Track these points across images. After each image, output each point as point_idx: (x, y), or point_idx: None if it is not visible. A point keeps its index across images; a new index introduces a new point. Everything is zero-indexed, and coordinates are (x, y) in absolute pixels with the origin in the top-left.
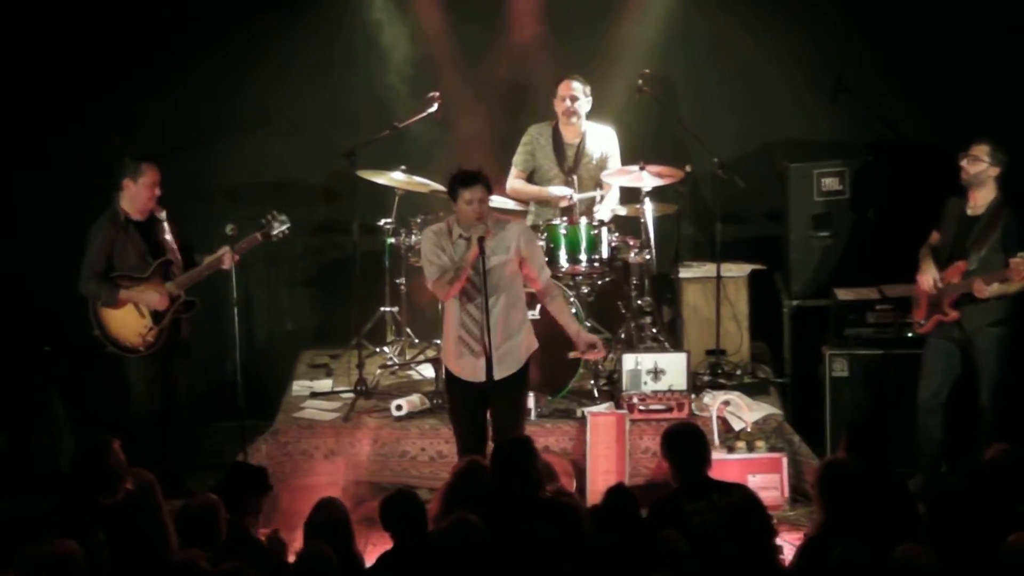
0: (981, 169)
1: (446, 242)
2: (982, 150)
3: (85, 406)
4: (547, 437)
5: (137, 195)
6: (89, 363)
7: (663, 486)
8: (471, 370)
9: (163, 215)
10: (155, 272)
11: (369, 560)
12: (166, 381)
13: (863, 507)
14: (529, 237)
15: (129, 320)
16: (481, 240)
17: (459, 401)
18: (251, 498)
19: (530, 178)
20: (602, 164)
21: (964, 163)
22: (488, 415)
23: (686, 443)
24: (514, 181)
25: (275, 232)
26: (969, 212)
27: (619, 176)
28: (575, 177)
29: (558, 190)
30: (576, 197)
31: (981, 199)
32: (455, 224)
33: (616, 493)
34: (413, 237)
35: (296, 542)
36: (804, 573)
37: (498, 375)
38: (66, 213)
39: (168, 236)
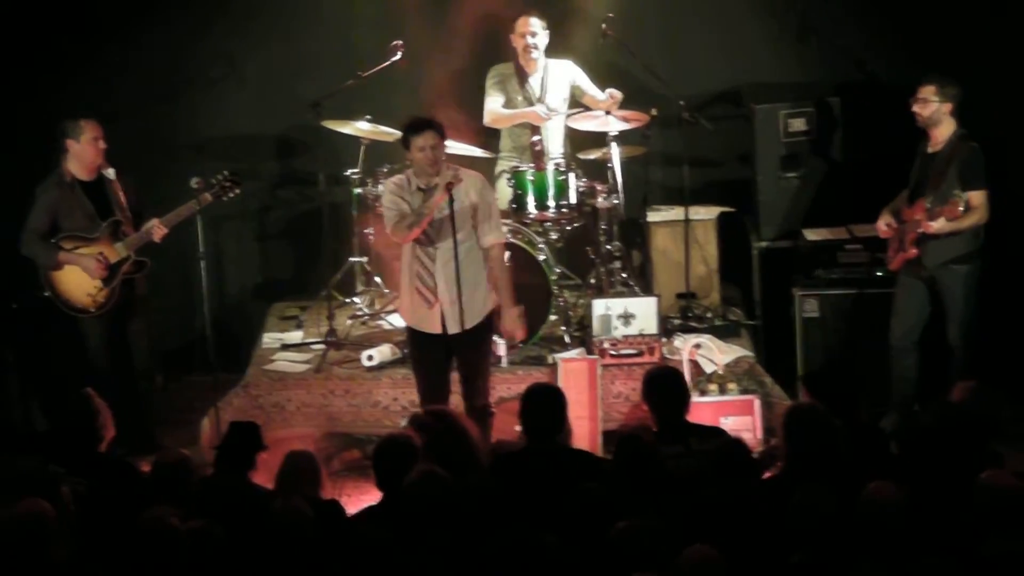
0: (933, 109)
1: (406, 194)
2: (929, 91)
3: (50, 364)
4: (519, 384)
5: (83, 152)
6: (55, 321)
7: (637, 430)
8: (428, 322)
9: (111, 174)
10: (104, 232)
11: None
12: (122, 340)
13: (829, 451)
14: (484, 190)
15: (78, 281)
16: (449, 185)
17: (420, 353)
18: (248, 455)
19: None
20: (576, 89)
21: (916, 108)
22: (451, 367)
23: (667, 386)
24: (493, 106)
25: (225, 196)
26: (930, 150)
27: (584, 120)
28: (545, 105)
29: (539, 109)
30: (550, 114)
31: (940, 136)
32: (412, 175)
33: (628, 441)
34: (380, 187)
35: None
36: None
37: (458, 326)
38: (30, 173)
39: (119, 196)
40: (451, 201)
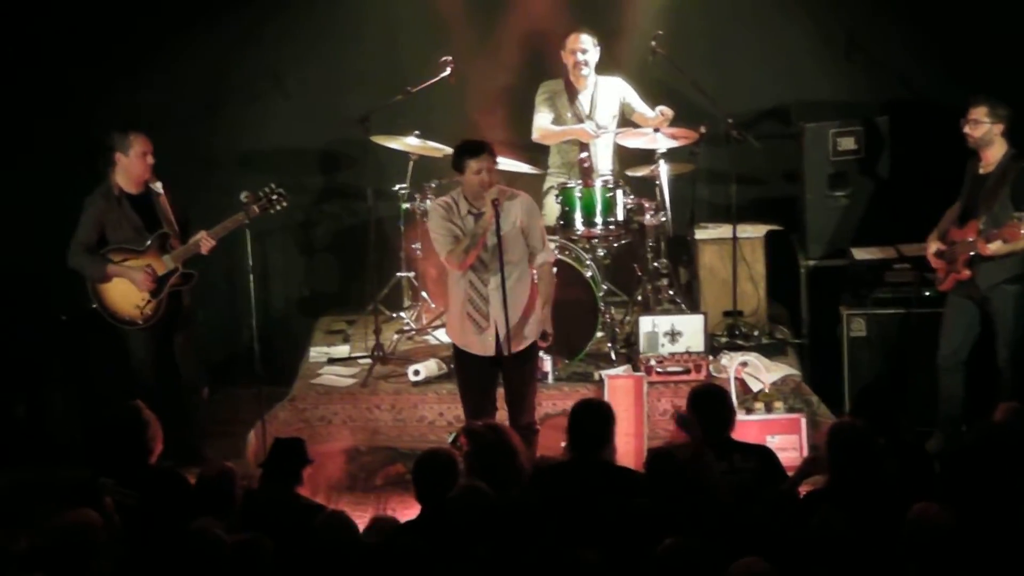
0: (984, 131)
1: (455, 217)
2: (980, 112)
3: (96, 376)
4: (564, 401)
5: (131, 166)
6: (103, 333)
7: (682, 448)
8: (479, 345)
9: (159, 187)
10: (152, 245)
11: None
12: (169, 352)
13: (871, 469)
14: (532, 212)
15: (126, 293)
16: (496, 202)
17: (468, 374)
18: (294, 471)
19: None
20: (626, 107)
21: (967, 129)
22: (497, 385)
23: (711, 403)
24: (542, 122)
25: (273, 209)
26: (981, 171)
27: (633, 137)
28: (594, 122)
29: (588, 126)
30: (599, 131)
31: (991, 157)
32: (461, 199)
33: (660, 457)
34: (428, 202)
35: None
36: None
37: (507, 350)
38: (75, 184)
39: (165, 209)
40: (498, 217)
